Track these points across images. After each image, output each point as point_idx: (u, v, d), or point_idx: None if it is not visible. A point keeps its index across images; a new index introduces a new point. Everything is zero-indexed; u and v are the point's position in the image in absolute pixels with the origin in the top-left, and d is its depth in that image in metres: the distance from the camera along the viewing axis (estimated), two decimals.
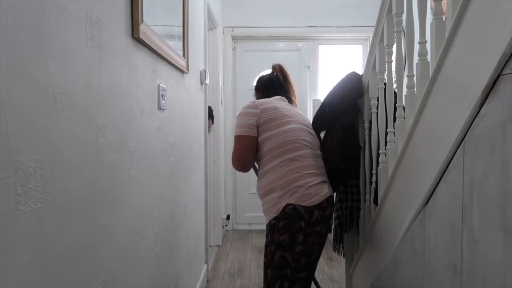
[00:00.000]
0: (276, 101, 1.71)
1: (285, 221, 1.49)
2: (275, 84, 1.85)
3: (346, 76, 2.00)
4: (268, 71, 1.96)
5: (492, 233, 0.97)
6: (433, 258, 1.30)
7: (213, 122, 3.26)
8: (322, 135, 1.87)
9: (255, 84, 1.94)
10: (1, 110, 0.63)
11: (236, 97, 4.15)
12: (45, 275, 0.75)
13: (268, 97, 1.77)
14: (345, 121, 1.82)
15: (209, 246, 2.99)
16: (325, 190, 1.56)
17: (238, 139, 1.60)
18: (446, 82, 1.24)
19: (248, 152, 1.60)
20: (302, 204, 1.49)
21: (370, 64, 1.98)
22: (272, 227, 1.53)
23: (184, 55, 1.92)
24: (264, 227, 1.76)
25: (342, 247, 2.06)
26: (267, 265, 1.55)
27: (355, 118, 1.96)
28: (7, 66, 0.64)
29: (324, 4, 3.96)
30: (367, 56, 2.09)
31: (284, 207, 1.49)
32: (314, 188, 1.53)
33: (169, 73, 1.68)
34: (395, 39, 1.91)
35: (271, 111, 1.62)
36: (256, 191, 1.66)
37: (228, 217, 3.95)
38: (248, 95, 4.09)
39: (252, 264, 3.09)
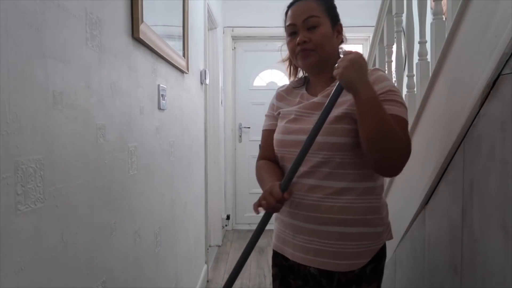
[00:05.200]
0: None
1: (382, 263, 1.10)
2: None
3: None
4: None
5: (492, 233, 0.97)
6: (433, 258, 1.30)
7: None
8: None
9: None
10: (1, 110, 0.63)
11: (236, 97, 4.15)
12: (45, 275, 0.75)
13: None
14: None
15: (209, 246, 2.99)
16: None
17: (406, 121, 1.00)
18: (446, 82, 1.24)
19: None
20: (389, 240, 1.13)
21: (370, 64, 1.98)
22: (381, 272, 1.09)
23: (184, 55, 1.92)
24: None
25: None
26: None
27: None
28: (7, 66, 0.64)
29: None
30: (367, 56, 2.09)
31: (383, 247, 1.08)
32: None
33: (169, 73, 1.68)
34: (395, 39, 1.91)
35: None
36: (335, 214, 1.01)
37: (228, 217, 3.94)
38: (248, 95, 4.10)
39: (252, 264, 3.09)
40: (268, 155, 1.17)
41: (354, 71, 0.91)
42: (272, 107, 1.20)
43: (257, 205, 0.98)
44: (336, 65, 0.94)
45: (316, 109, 1.04)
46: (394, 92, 0.99)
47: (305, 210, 1.03)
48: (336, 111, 0.99)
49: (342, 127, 0.99)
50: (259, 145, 1.23)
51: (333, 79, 1.03)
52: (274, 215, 1.09)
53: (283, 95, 1.18)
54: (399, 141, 0.92)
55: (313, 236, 1.03)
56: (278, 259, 1.14)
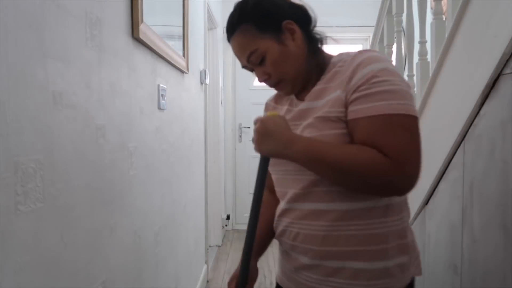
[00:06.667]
0: None
1: None
2: None
3: None
4: None
5: (492, 233, 0.97)
6: (433, 258, 1.30)
7: None
8: None
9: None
10: (1, 110, 0.63)
11: (236, 97, 4.15)
12: (45, 275, 0.75)
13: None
14: None
15: (209, 246, 2.99)
16: None
17: (416, 122, 0.75)
18: (446, 82, 1.24)
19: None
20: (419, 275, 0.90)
21: None
22: None
23: (184, 55, 1.92)
24: None
25: None
26: None
27: None
28: (7, 66, 0.64)
29: (324, 4, 3.94)
30: None
31: (411, 284, 0.86)
32: None
33: (169, 73, 1.68)
34: (395, 39, 1.91)
35: None
36: (339, 244, 0.81)
37: (228, 217, 3.95)
38: (248, 95, 4.10)
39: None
40: (268, 176, 0.97)
41: (266, 140, 0.77)
42: None
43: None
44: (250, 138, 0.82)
45: (303, 118, 0.84)
46: (381, 77, 0.72)
47: (305, 243, 0.83)
48: (317, 115, 0.80)
49: (330, 134, 0.77)
50: None
51: (320, 75, 0.86)
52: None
53: (272, 105, 1.01)
54: (366, 171, 0.71)
55: (318, 274, 0.82)
56: None
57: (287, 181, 0.86)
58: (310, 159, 0.75)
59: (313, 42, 0.88)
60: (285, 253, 0.91)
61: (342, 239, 0.79)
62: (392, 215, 0.80)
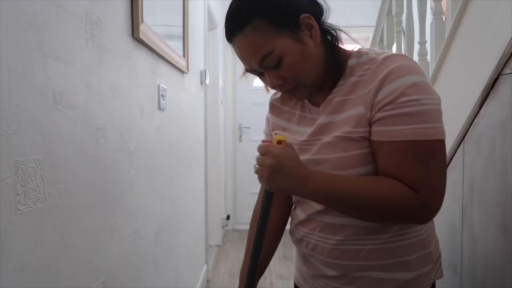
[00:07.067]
0: None
1: None
2: None
3: None
4: None
5: (492, 233, 0.97)
6: None
7: None
8: None
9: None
10: (1, 110, 0.63)
11: (236, 97, 4.15)
12: (45, 275, 0.75)
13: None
14: None
15: (209, 246, 2.99)
16: None
17: (444, 145, 0.69)
18: (446, 82, 1.24)
19: None
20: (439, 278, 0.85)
21: None
22: None
23: (184, 55, 1.92)
24: None
25: None
26: None
27: None
28: (8, 66, 0.64)
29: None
30: None
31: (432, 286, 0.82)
32: None
33: (169, 73, 1.68)
34: (395, 39, 1.91)
35: None
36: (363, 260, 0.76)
37: (228, 217, 3.95)
38: (248, 95, 4.10)
39: None
40: None
41: (278, 177, 0.66)
42: (268, 122, 0.94)
43: None
44: (255, 168, 0.70)
45: (322, 133, 0.76)
46: (410, 95, 0.64)
47: (324, 255, 0.79)
48: (338, 134, 0.72)
49: (354, 154, 0.71)
50: None
51: (337, 76, 0.76)
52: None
53: (277, 106, 0.90)
54: (392, 209, 0.66)
55: (335, 282, 0.79)
56: None
57: None
58: (327, 198, 0.68)
59: (329, 38, 0.76)
60: (304, 258, 0.87)
61: (362, 253, 0.75)
62: (413, 226, 0.76)
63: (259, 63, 0.71)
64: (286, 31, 0.69)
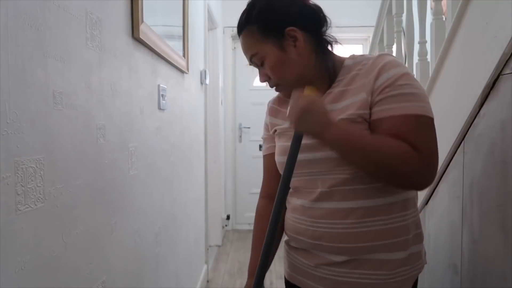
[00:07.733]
0: None
1: None
2: None
3: None
4: None
5: (492, 233, 0.97)
6: (433, 258, 1.30)
7: None
8: None
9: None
10: (1, 110, 0.63)
11: (236, 97, 4.15)
12: (45, 275, 0.75)
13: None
14: None
15: (209, 246, 2.99)
16: None
17: (434, 124, 0.80)
18: (446, 82, 1.24)
19: None
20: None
21: None
22: None
23: (184, 55, 1.92)
24: None
25: None
26: None
27: None
28: (8, 66, 0.64)
29: (324, 4, 3.94)
30: None
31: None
32: None
33: (169, 73, 1.68)
34: (395, 39, 1.91)
35: None
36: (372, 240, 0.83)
37: (228, 217, 3.95)
38: (248, 95, 4.10)
39: None
40: (271, 185, 0.99)
41: (308, 117, 0.75)
42: (266, 127, 1.02)
43: None
44: (288, 112, 0.79)
45: None
46: (404, 81, 0.77)
47: (333, 241, 0.84)
48: (342, 117, 0.81)
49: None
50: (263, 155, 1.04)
51: (330, 79, 0.87)
52: (282, 239, 0.99)
53: (275, 108, 1.01)
54: (399, 161, 0.74)
55: (341, 267, 0.85)
56: None
57: (314, 182, 0.86)
58: (346, 143, 0.76)
59: (322, 45, 0.88)
60: (301, 251, 0.91)
61: (371, 234, 0.82)
62: (410, 208, 0.86)
63: (249, 60, 0.90)
64: (271, 39, 0.84)
